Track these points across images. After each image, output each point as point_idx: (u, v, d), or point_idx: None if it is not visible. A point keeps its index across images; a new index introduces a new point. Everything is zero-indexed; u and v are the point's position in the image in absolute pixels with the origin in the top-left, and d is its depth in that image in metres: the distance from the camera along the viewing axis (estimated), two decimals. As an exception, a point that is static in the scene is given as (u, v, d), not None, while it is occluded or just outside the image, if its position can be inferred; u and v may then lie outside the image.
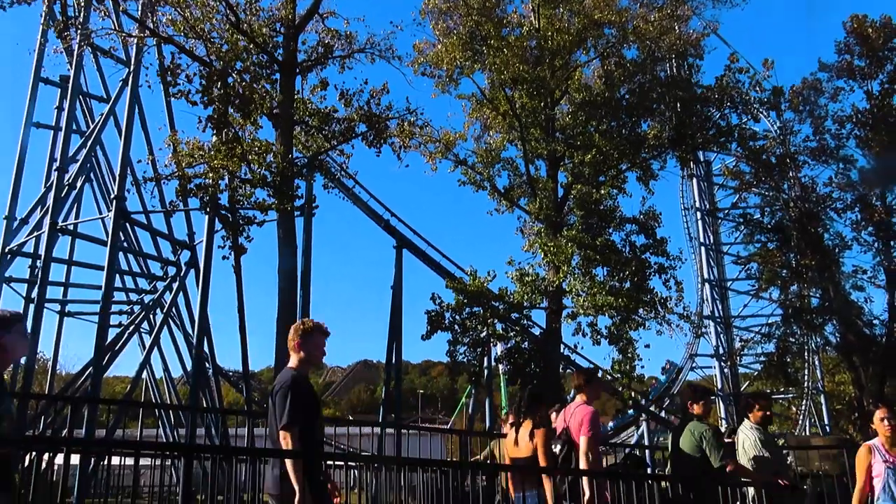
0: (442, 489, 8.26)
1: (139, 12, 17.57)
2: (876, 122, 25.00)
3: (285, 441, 4.46)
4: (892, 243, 25.19)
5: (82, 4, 18.80)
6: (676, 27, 22.09)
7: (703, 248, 38.84)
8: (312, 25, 18.51)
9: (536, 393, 6.67)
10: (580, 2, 20.83)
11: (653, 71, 22.11)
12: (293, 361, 4.93)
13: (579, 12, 20.74)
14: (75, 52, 19.85)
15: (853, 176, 25.76)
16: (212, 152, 16.46)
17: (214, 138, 16.98)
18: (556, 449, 6.01)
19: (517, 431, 6.26)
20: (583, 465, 5.76)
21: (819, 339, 27.28)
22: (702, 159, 34.13)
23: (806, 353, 31.08)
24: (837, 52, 26.12)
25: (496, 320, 20.51)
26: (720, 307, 38.11)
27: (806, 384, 33.43)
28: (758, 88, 23.24)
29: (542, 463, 5.89)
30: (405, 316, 25.60)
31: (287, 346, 5.02)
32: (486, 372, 24.98)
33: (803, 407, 36.19)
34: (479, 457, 8.51)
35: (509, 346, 21.24)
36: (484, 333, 20.45)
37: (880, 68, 25.57)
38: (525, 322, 21.47)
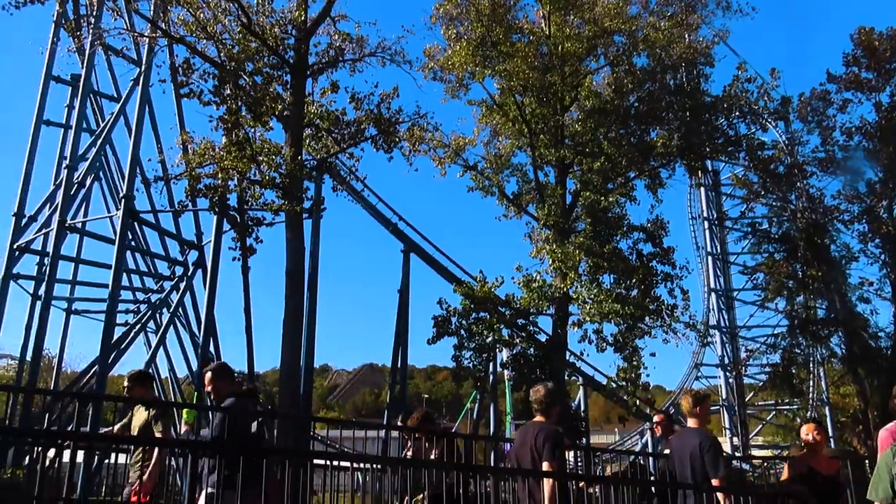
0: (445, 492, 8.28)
1: (151, 12, 17.67)
2: (884, 134, 24.97)
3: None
4: (899, 255, 25.11)
5: (95, 4, 18.91)
6: (686, 36, 22.12)
7: (709, 258, 38.78)
8: (324, 28, 18.54)
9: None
10: (591, 9, 20.84)
11: (662, 79, 22.13)
12: (695, 423, 6.24)
13: (590, 20, 20.75)
14: (87, 52, 19.95)
15: (861, 188, 25.77)
16: (222, 153, 16.52)
17: (225, 139, 17.04)
18: None
19: None
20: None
21: (824, 351, 27.16)
22: (710, 168, 34.10)
23: (811, 365, 30.97)
24: (845, 63, 26.11)
25: (502, 326, 20.47)
26: (726, 317, 38.03)
27: (811, 396, 33.30)
28: (766, 98, 23.27)
29: None
30: (412, 320, 25.66)
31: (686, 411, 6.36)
32: (491, 378, 24.95)
33: (808, 418, 36.02)
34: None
35: (515, 352, 21.20)
36: (490, 339, 20.39)
37: (888, 80, 25.55)
38: (531, 328, 21.43)
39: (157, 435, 6.64)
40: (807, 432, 6.66)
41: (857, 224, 25.63)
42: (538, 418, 6.21)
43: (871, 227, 25.22)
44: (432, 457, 7.53)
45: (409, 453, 8.00)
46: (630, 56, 21.84)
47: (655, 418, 9.40)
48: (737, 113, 22.66)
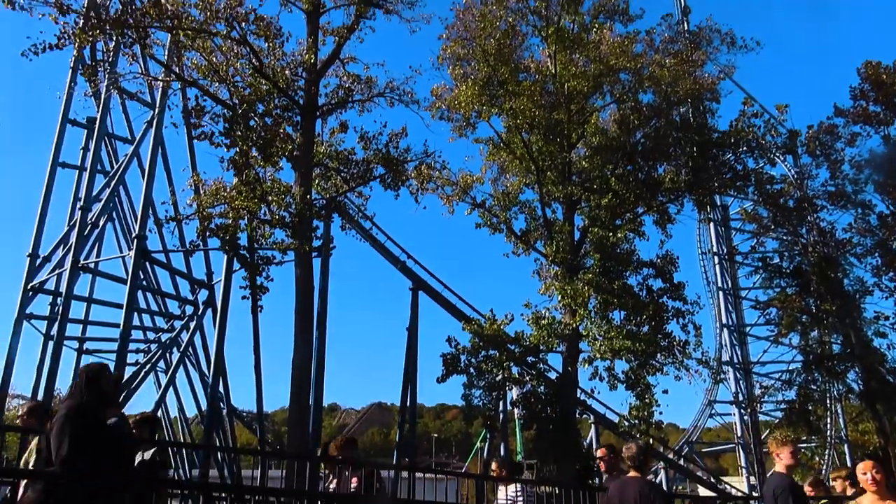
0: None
1: (165, 57, 18.07)
2: (893, 166, 24.92)
3: None
4: (914, 289, 24.81)
5: (111, 49, 19.36)
6: (692, 72, 22.33)
7: (720, 293, 38.53)
8: (333, 70, 18.85)
9: None
10: (596, 48, 21.13)
11: (668, 115, 22.29)
12: (781, 467, 6.30)
13: (595, 58, 21.01)
14: (103, 95, 20.39)
15: (872, 221, 25.63)
16: (233, 193, 16.69)
17: (235, 179, 17.23)
18: None
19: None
20: None
21: (841, 387, 26.69)
22: (719, 203, 34.10)
23: (828, 401, 30.44)
24: (852, 97, 26.18)
25: (512, 364, 20.32)
26: (739, 353, 37.60)
27: (828, 433, 32.67)
28: (773, 132, 23.36)
29: None
30: (420, 358, 25.48)
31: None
32: (501, 416, 24.69)
33: (826, 456, 35.31)
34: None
35: (525, 390, 20.99)
36: (499, 377, 20.23)
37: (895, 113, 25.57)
38: (541, 366, 21.26)
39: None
40: (863, 471, 5.65)
41: (871, 257, 25.44)
42: (633, 474, 6.43)
43: (884, 259, 25.00)
44: (353, 485, 7.41)
45: (333, 485, 7.85)
46: (636, 93, 22.04)
47: (598, 453, 8.89)
48: (744, 148, 22.74)
